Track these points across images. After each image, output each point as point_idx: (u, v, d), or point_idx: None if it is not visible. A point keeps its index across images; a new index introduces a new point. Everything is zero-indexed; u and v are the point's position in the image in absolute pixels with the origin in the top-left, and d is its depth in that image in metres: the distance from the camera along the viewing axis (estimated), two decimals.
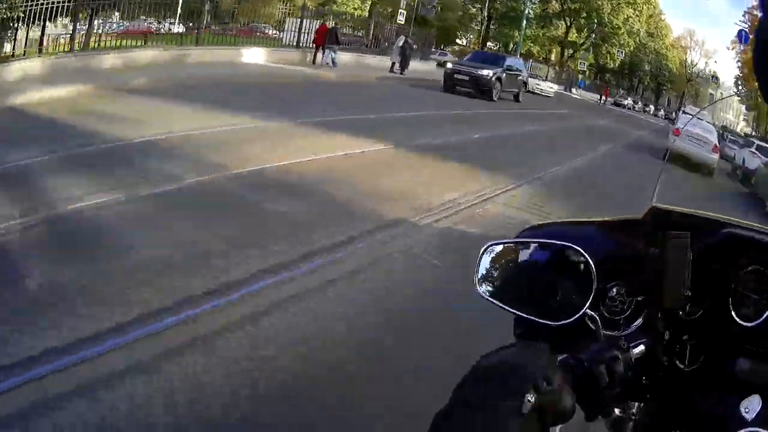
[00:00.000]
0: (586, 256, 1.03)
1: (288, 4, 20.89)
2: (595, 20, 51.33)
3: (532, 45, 52.62)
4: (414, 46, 23.67)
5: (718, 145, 15.17)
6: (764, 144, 19.60)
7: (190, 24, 16.58)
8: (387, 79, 18.95)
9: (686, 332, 1.05)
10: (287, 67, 16.23)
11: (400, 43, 21.35)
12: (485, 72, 18.39)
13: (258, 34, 20.77)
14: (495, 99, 18.60)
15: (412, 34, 25.87)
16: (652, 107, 64.18)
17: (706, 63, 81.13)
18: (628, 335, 1.02)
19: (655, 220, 1.13)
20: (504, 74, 19.16)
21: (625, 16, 51.92)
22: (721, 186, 15.53)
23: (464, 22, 51.94)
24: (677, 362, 1.04)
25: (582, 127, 19.83)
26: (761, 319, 0.99)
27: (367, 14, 41.89)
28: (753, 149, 17.95)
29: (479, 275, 1.13)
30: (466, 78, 18.44)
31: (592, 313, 1.00)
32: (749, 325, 1.00)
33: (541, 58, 54.07)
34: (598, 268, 1.04)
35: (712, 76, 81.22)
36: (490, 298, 1.10)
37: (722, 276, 1.05)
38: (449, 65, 19.62)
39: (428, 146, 8.75)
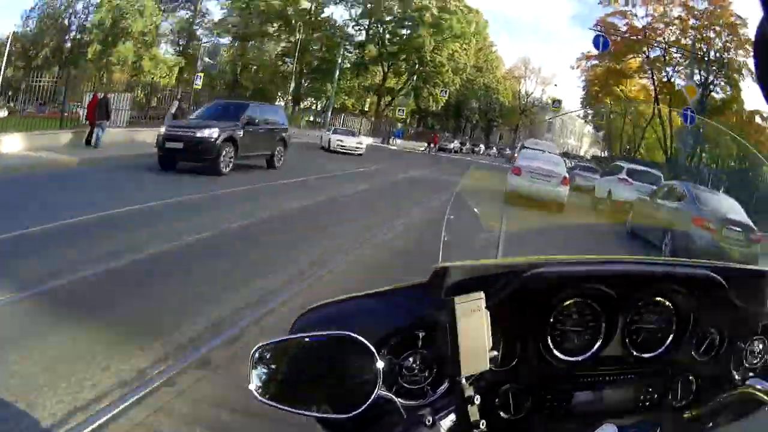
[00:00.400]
0: (361, 339, 0.96)
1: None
2: (416, 61, 48.20)
3: (346, 98, 48.45)
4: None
5: (567, 176, 13.42)
6: (638, 167, 16.40)
7: None
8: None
9: (504, 383, 1.08)
10: (40, 154, 12.22)
11: (173, 110, 17.75)
12: (206, 133, 11.94)
13: (66, 114, 16.62)
14: (225, 171, 12.21)
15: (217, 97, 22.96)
16: (482, 146, 62.30)
17: (543, 90, 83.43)
18: (436, 402, 1.00)
19: (444, 282, 1.07)
20: (243, 132, 12.91)
21: (450, 52, 48.91)
22: (575, 222, 12.36)
23: (276, 81, 47.02)
24: (502, 414, 1.08)
25: (383, 189, 14.47)
26: (590, 353, 1.12)
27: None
28: (623, 175, 14.58)
29: (255, 380, 0.98)
30: (180, 145, 11.86)
31: (387, 395, 0.96)
32: (577, 359, 1.12)
33: (357, 111, 49.78)
34: (383, 344, 1.02)
35: (553, 101, 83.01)
36: (272, 403, 0.97)
37: (537, 317, 1.10)
38: (162, 129, 12.77)
39: None
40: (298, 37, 43.75)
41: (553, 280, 1.10)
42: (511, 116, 77.86)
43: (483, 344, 0.97)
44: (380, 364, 0.94)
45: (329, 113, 41.64)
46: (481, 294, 0.99)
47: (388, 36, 49.13)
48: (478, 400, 0.98)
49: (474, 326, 0.97)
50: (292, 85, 44.95)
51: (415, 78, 47.84)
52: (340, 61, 44.26)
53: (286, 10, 45.81)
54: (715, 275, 1.18)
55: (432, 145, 40.96)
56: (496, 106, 68.21)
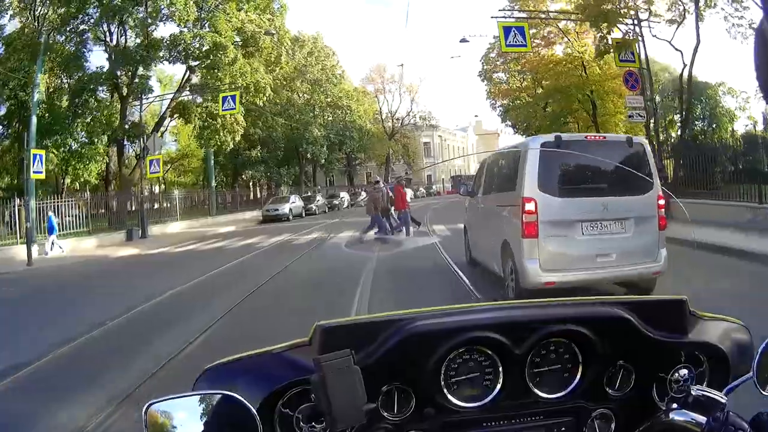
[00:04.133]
0: (242, 400, 1.04)
1: None
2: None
3: None
4: None
5: None
6: None
7: None
8: None
9: (406, 430, 1.16)
10: None
11: None
12: None
13: None
14: None
15: None
16: (343, 195, 50.51)
17: (412, 100, 68.03)
18: None
19: (320, 340, 1.16)
20: None
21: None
22: None
23: None
24: None
25: None
26: (491, 398, 1.18)
27: None
28: None
29: None
30: None
31: None
32: (477, 405, 1.18)
33: None
34: (264, 405, 1.10)
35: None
36: None
37: (425, 367, 1.15)
38: None
39: None
40: None
41: (431, 334, 1.15)
42: (378, 145, 60.79)
43: (356, 399, 1.03)
44: (259, 427, 1.02)
45: None
46: (348, 352, 1.04)
47: None
48: None
49: (344, 382, 1.02)
50: None
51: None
52: None
53: None
54: (618, 311, 1.22)
55: None
56: (352, 135, 49.74)
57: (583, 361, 1.22)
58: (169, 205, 27.85)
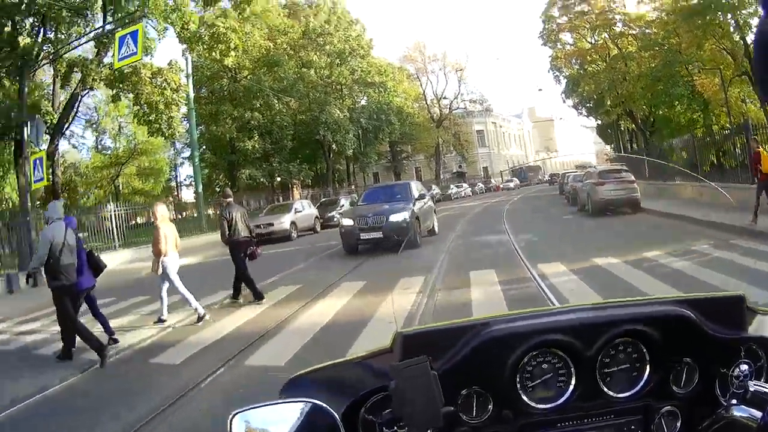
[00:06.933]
0: (326, 407, 1.09)
1: None
2: None
3: None
4: None
5: None
6: None
7: None
8: None
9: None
10: None
11: None
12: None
13: None
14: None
15: None
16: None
17: (460, 81, 57.63)
18: None
19: (400, 348, 1.21)
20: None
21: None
22: None
23: None
24: None
25: None
26: (564, 399, 1.21)
27: None
28: None
29: None
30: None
31: None
32: (550, 406, 1.21)
33: None
34: (347, 412, 1.16)
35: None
36: None
37: (501, 370, 1.19)
38: None
39: None
40: None
41: (507, 338, 1.20)
42: (424, 134, 50.97)
43: (434, 403, 1.07)
44: (342, 427, 1.08)
45: None
46: (425, 358, 1.09)
47: None
48: None
49: (421, 388, 1.06)
50: None
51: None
52: None
53: None
54: (681, 309, 1.26)
55: None
56: (389, 119, 40.16)
57: (650, 360, 1.25)
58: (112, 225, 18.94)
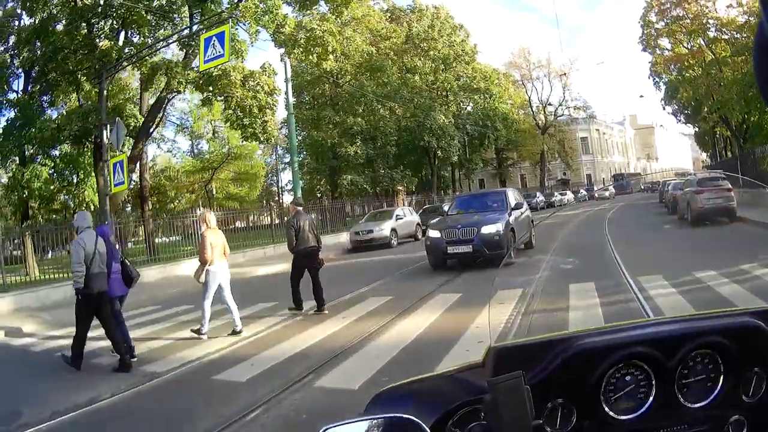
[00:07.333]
0: (417, 420, 1.07)
1: None
2: None
3: None
4: None
5: None
6: None
7: None
8: None
9: None
10: None
11: None
12: None
13: None
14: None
15: None
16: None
17: (564, 87, 54.96)
18: None
19: (492, 362, 1.21)
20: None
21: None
22: None
23: None
24: None
25: None
26: (644, 410, 1.21)
27: None
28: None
29: None
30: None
31: None
32: (631, 417, 1.20)
33: None
34: (435, 425, 1.14)
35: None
36: None
37: (587, 383, 1.18)
38: None
39: None
40: None
41: (595, 351, 1.20)
42: (530, 141, 48.71)
43: (526, 418, 1.06)
44: None
45: None
46: (519, 373, 1.09)
47: None
48: None
49: (515, 402, 1.06)
50: None
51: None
52: None
53: None
54: (755, 321, 1.26)
55: None
56: (495, 125, 38.52)
57: (724, 371, 1.25)
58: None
